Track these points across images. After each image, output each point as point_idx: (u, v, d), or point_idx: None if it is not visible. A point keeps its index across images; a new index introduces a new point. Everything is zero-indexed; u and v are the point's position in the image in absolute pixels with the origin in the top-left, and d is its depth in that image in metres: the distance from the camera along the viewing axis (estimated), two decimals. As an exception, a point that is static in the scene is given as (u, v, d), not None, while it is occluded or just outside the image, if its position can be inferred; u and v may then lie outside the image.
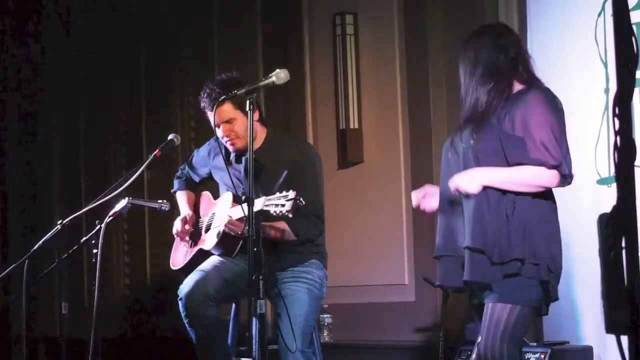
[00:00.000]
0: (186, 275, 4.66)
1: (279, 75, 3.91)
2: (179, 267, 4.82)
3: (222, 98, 4.10)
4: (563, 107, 3.65)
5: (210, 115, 4.49)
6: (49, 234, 4.50)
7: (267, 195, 4.06)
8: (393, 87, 6.00)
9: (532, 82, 3.70)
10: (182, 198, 4.92)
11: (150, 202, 4.81)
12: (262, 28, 6.80)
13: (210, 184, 4.92)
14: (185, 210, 4.83)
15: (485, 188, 3.57)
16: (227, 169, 4.40)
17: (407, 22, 5.96)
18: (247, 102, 3.87)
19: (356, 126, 6.14)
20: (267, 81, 3.92)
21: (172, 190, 5.02)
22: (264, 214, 3.99)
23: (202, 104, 4.50)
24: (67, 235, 4.54)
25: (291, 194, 3.94)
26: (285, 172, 4.31)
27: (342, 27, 6.16)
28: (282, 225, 4.36)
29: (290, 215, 3.95)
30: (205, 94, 4.48)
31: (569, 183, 3.62)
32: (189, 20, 7.23)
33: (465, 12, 5.59)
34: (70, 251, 4.56)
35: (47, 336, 7.92)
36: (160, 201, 4.69)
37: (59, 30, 8.26)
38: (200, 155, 4.88)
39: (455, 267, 3.67)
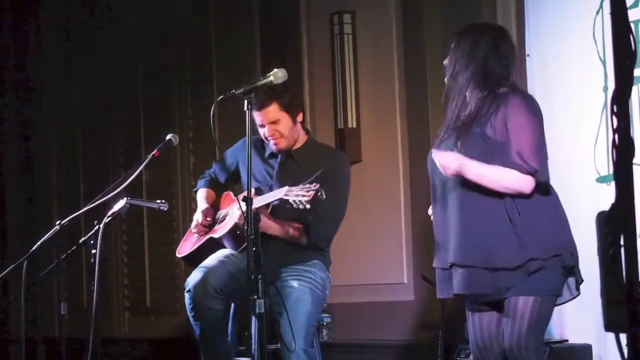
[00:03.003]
0: (190, 264, 4.67)
1: (277, 75, 3.91)
2: (185, 254, 4.80)
3: (220, 98, 4.08)
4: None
5: (257, 115, 4.52)
6: (48, 234, 4.49)
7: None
8: (391, 86, 6.00)
9: (512, 87, 3.69)
10: (201, 194, 4.89)
11: (148, 202, 4.80)
12: (260, 27, 6.80)
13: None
14: (203, 204, 4.82)
15: (474, 198, 3.58)
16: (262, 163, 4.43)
17: (405, 21, 5.96)
18: (245, 102, 3.87)
19: (354, 125, 6.14)
20: (265, 81, 3.92)
21: (194, 189, 5.01)
22: (284, 203, 4.03)
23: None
24: (65, 235, 4.54)
25: (313, 186, 3.97)
26: (320, 171, 4.35)
27: (340, 27, 6.16)
28: (298, 225, 4.39)
29: (309, 207, 3.97)
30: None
31: (545, 189, 3.62)
32: (187, 21, 7.22)
33: (463, 9, 5.59)
34: (69, 252, 4.55)
35: (46, 336, 7.92)
36: (158, 201, 4.69)
37: (57, 30, 8.26)
38: (232, 148, 4.86)
39: (451, 278, 3.68)
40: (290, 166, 4.59)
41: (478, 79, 3.63)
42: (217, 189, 4.92)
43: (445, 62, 3.75)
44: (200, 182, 4.97)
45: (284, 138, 4.55)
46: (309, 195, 3.97)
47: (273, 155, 4.64)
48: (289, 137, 4.57)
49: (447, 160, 3.59)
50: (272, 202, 4.24)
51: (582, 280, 3.70)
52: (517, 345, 3.59)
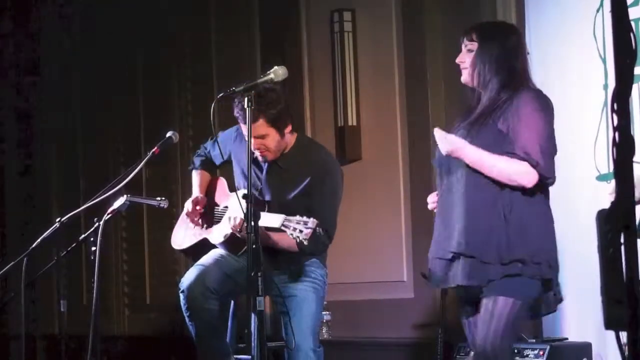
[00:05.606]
0: (186, 255, 4.65)
1: (277, 72, 3.91)
2: (180, 248, 4.78)
3: (220, 95, 4.07)
4: (554, 106, 3.67)
5: (243, 128, 4.42)
6: (48, 231, 4.50)
7: (282, 203, 4.13)
8: (391, 83, 6.00)
9: (531, 84, 3.71)
10: (196, 178, 4.83)
11: (148, 200, 4.81)
12: (260, 26, 6.80)
13: (228, 169, 4.86)
14: (196, 191, 4.78)
15: (479, 187, 3.57)
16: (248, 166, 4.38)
17: (405, 19, 5.96)
18: (246, 99, 3.86)
19: (354, 123, 6.14)
20: (265, 78, 3.92)
21: (190, 168, 4.93)
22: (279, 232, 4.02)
23: (237, 114, 4.41)
24: (65, 233, 4.54)
25: (312, 222, 3.96)
26: (307, 180, 4.32)
27: (340, 24, 6.16)
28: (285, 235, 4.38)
29: (306, 243, 3.96)
30: (240, 106, 4.33)
31: (551, 184, 3.62)
32: (187, 19, 7.22)
33: (464, 6, 5.58)
34: (69, 249, 4.56)
35: (46, 334, 7.92)
36: (158, 198, 4.69)
37: (57, 29, 8.26)
38: (225, 135, 4.79)
39: (450, 269, 3.68)
40: (277, 172, 4.54)
41: (504, 82, 3.63)
42: (211, 169, 4.88)
43: (462, 61, 3.72)
44: (196, 161, 4.86)
45: (270, 152, 4.47)
46: (307, 233, 3.95)
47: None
48: (276, 150, 4.48)
49: (444, 141, 3.58)
50: (268, 227, 4.18)
51: (562, 299, 3.69)
52: (492, 345, 3.58)
